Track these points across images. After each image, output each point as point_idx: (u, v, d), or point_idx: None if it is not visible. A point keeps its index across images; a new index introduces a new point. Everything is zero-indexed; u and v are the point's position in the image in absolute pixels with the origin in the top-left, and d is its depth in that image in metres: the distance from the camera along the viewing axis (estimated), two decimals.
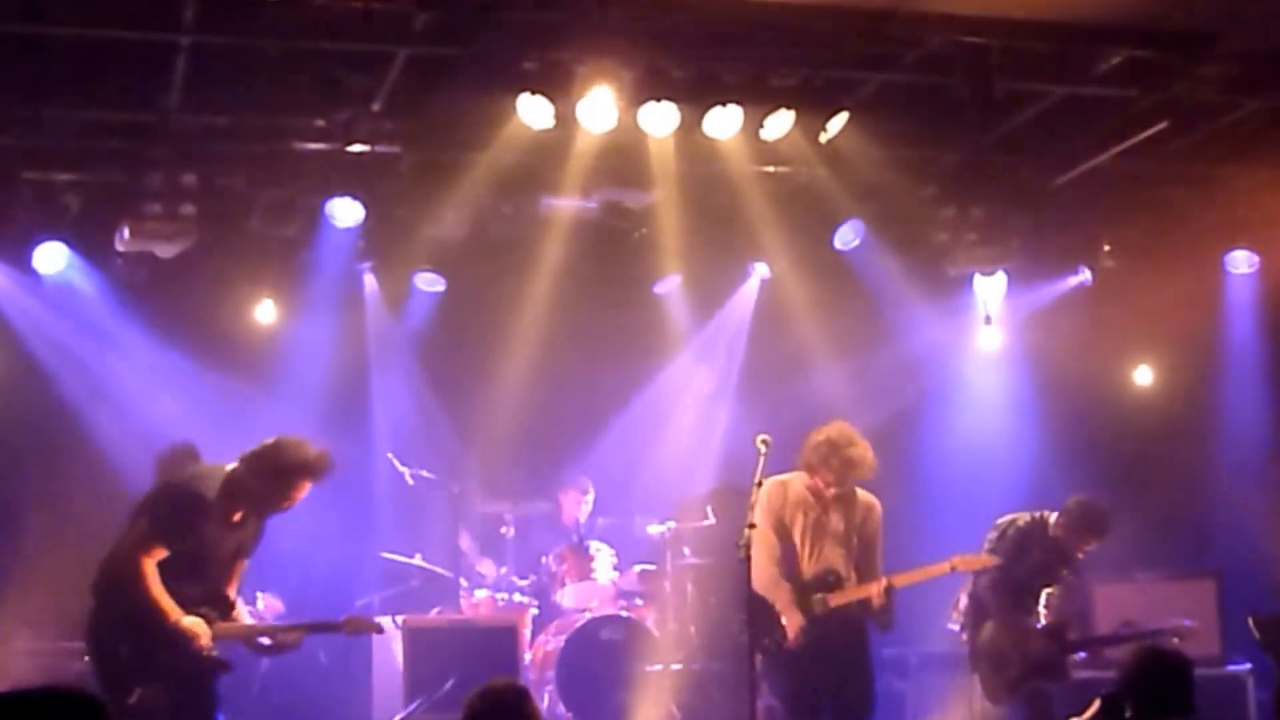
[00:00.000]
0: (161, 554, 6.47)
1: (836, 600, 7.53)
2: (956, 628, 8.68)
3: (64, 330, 9.68)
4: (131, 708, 6.37)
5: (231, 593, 6.80)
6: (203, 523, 6.55)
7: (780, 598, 7.54)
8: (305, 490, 6.67)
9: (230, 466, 6.68)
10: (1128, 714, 4.99)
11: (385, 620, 7.19)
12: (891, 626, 7.71)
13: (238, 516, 6.67)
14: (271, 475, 6.59)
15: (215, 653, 6.55)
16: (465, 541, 10.33)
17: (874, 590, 7.51)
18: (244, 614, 6.93)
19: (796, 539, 7.63)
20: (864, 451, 7.62)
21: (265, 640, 6.86)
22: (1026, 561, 8.44)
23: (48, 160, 8.76)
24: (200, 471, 6.81)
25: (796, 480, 7.73)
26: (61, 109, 8.24)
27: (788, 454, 7.75)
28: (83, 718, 3.02)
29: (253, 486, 6.61)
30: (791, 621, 7.50)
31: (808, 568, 7.61)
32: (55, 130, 8.43)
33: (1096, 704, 5.13)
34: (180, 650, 6.44)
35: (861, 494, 7.76)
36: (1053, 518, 8.46)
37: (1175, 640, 8.52)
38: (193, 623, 6.47)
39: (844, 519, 7.67)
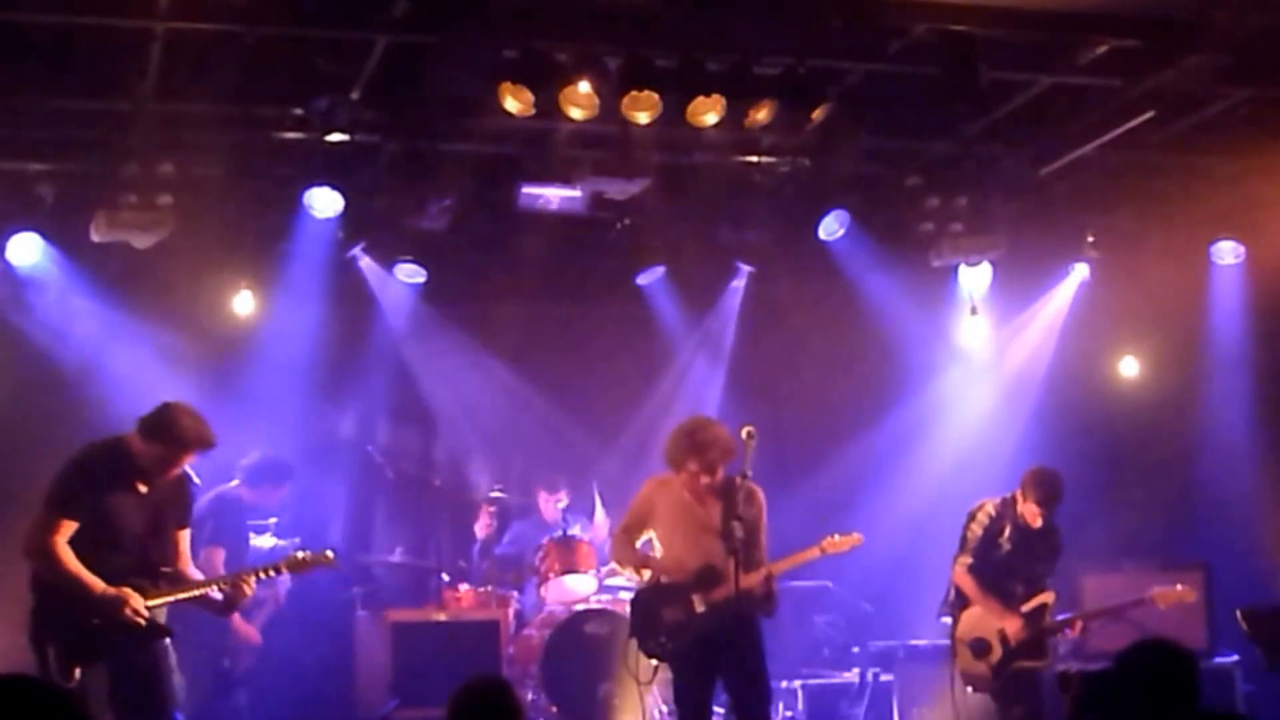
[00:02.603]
0: (66, 528, 6.51)
1: (717, 595, 7.58)
2: (949, 620, 8.64)
3: (38, 322, 9.57)
4: (73, 690, 6.34)
5: (178, 564, 6.81)
6: (97, 490, 6.59)
7: (660, 599, 7.74)
8: (188, 461, 6.75)
9: (122, 434, 6.74)
10: (1117, 695, 4.92)
11: (329, 553, 7.05)
12: (773, 612, 7.78)
13: (142, 485, 6.67)
14: (161, 441, 6.63)
15: (149, 617, 6.54)
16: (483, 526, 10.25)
17: (753, 581, 7.59)
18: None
19: (675, 536, 7.71)
20: (718, 431, 7.69)
21: (216, 595, 6.81)
22: (1001, 544, 8.41)
23: (21, 150, 8.65)
24: (91, 443, 6.84)
25: (674, 483, 7.80)
26: (35, 97, 8.13)
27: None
28: (48, 706, 2.97)
29: (142, 453, 6.65)
30: (674, 620, 7.67)
31: (689, 564, 7.67)
32: (28, 119, 8.34)
33: (1075, 687, 5.06)
34: (111, 620, 6.45)
35: (742, 482, 7.74)
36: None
37: (1161, 606, 8.51)
38: (118, 591, 6.49)
39: (722, 511, 7.65)
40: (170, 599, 6.74)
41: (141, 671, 6.63)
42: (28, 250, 9.15)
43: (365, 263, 10.17)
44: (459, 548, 10.42)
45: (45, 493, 6.64)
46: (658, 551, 7.88)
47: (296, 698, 9.44)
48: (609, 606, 9.89)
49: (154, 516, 6.72)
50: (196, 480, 8.04)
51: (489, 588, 10.09)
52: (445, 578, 10.08)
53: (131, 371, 9.70)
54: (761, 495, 7.85)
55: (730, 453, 7.66)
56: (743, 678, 7.64)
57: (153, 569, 6.70)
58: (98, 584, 6.49)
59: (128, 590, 6.51)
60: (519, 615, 10.10)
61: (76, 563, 6.50)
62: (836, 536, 7.93)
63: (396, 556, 10.13)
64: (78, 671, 6.42)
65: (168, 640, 6.78)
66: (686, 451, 7.65)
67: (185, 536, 6.91)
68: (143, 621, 6.53)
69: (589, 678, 9.51)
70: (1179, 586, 8.64)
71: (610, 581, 10.18)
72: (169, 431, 6.63)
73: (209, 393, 9.52)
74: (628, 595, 10.07)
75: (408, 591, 10.14)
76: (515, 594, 10.14)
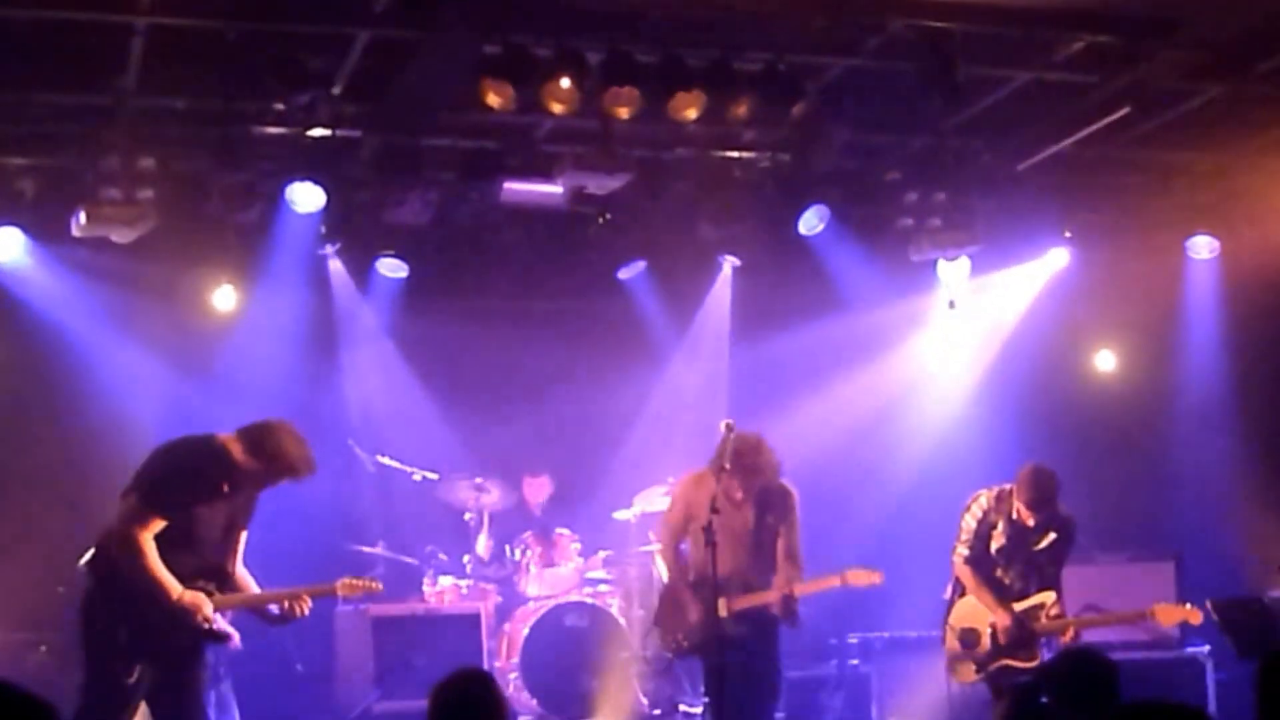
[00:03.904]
0: (156, 526, 6.42)
1: (739, 604, 7.68)
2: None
3: (19, 318, 9.56)
4: (131, 687, 6.37)
5: (233, 565, 6.76)
6: (195, 494, 6.53)
7: (686, 597, 7.80)
8: (283, 482, 6.71)
9: (221, 437, 6.66)
10: (1042, 699, 5.07)
11: (378, 584, 7.18)
12: (796, 624, 7.87)
13: (225, 488, 6.63)
14: (264, 459, 6.58)
15: (217, 625, 6.55)
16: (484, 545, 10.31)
17: (773, 598, 7.71)
18: (251, 585, 6.88)
19: (706, 537, 7.58)
20: (768, 458, 7.73)
21: (274, 608, 6.80)
22: (995, 537, 8.38)
23: (2, 144, 8.65)
24: (189, 441, 6.72)
25: (709, 477, 7.76)
26: (16, 92, 8.14)
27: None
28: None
29: (242, 464, 6.59)
30: (696, 620, 7.73)
31: (717, 567, 7.58)
32: (9, 114, 8.34)
33: (1005, 697, 5.19)
34: (181, 625, 6.43)
35: (777, 483, 7.81)
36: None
37: (1164, 623, 8.49)
38: (194, 597, 6.45)
39: (756, 514, 7.76)
40: (235, 606, 6.72)
41: (185, 673, 6.60)
42: (9, 245, 9.14)
43: (334, 265, 10.18)
44: (440, 541, 10.44)
45: (140, 482, 6.51)
46: (692, 548, 7.94)
47: (278, 691, 9.46)
48: (589, 599, 9.93)
49: (229, 520, 6.69)
50: None
51: (471, 581, 10.13)
52: (427, 572, 10.11)
53: (113, 367, 9.71)
54: (795, 495, 7.90)
55: (776, 477, 7.76)
56: (756, 680, 7.71)
57: (221, 572, 6.66)
58: (175, 587, 6.41)
59: (202, 597, 6.46)
60: (500, 608, 10.13)
61: (159, 562, 6.40)
62: (859, 569, 7.90)
63: (378, 550, 10.15)
64: (138, 669, 6.40)
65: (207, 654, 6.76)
66: (729, 467, 7.61)
67: (244, 538, 6.84)
68: (211, 629, 6.52)
69: (569, 670, 9.56)
70: (1187, 605, 8.51)
71: (591, 574, 10.24)
72: (273, 455, 6.57)
73: (189, 387, 9.57)
74: (608, 589, 10.16)
75: (389, 585, 10.13)
76: (496, 587, 10.17)
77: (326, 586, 6.94)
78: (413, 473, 10.41)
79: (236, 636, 8.89)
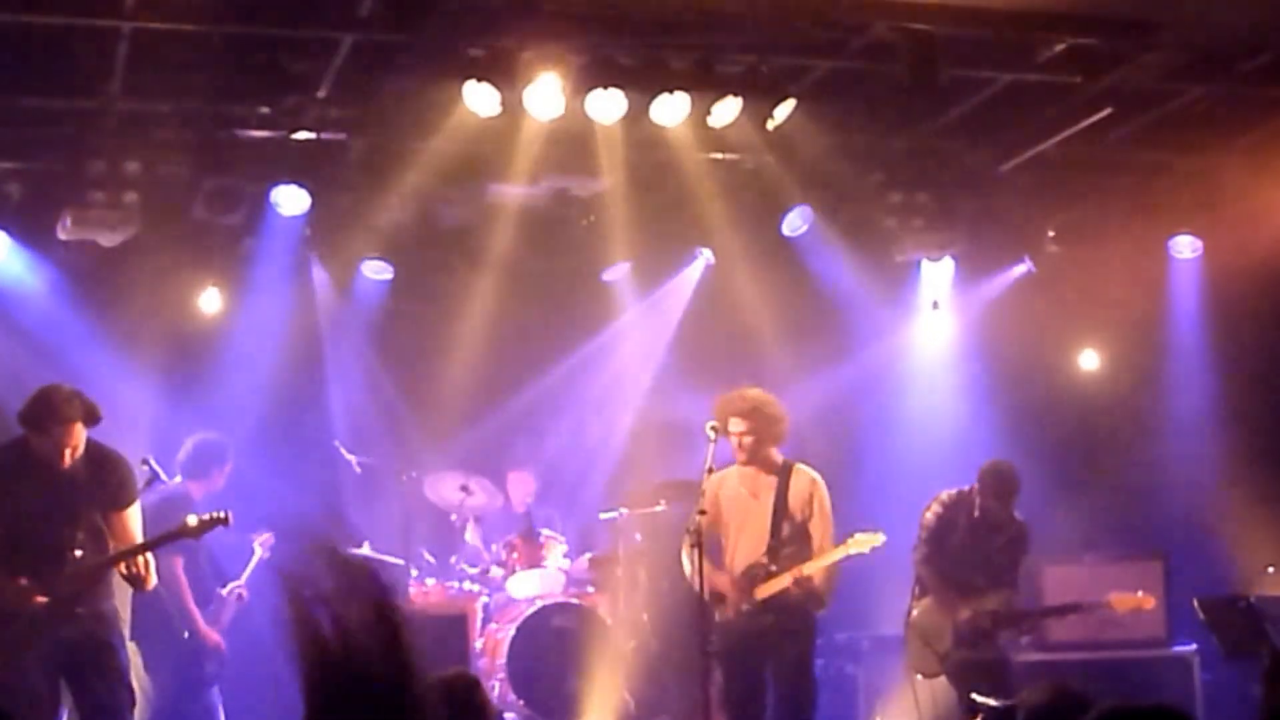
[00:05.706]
0: None
1: (761, 593, 7.64)
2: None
3: (6, 320, 9.55)
4: (29, 683, 6.49)
5: (112, 547, 6.73)
6: (5, 488, 6.64)
7: (708, 592, 7.70)
8: (75, 434, 6.64)
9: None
10: None
11: (223, 514, 6.89)
12: (823, 606, 7.81)
13: (50, 474, 6.64)
14: (36, 422, 6.63)
15: (47, 602, 6.55)
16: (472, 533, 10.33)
17: (786, 582, 7.63)
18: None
19: (728, 533, 7.72)
20: (778, 407, 7.79)
21: (122, 570, 6.70)
22: (955, 535, 8.48)
23: None
24: None
25: (732, 475, 7.82)
26: (1, 96, 8.13)
27: None
28: None
29: (30, 441, 6.67)
30: (720, 616, 7.70)
31: (737, 561, 7.70)
32: None
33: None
34: (20, 611, 6.51)
35: (801, 471, 7.79)
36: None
37: (1119, 610, 8.58)
38: (12, 579, 6.53)
39: (774, 503, 7.72)
40: (76, 584, 6.70)
41: (83, 662, 6.68)
42: None
43: (319, 268, 10.19)
44: (426, 542, 10.45)
45: None
46: (724, 548, 7.86)
47: (265, 695, 9.42)
48: (576, 600, 9.94)
49: (67, 502, 6.69)
50: (164, 477, 8.08)
51: (457, 582, 10.13)
52: (413, 573, 10.11)
53: (99, 369, 9.68)
54: (820, 486, 7.84)
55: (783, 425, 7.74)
56: (785, 675, 7.68)
57: (64, 554, 6.67)
58: None
59: (21, 581, 6.54)
60: (487, 610, 10.14)
61: None
62: (860, 534, 7.80)
63: (364, 551, 10.14)
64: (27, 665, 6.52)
65: (111, 638, 6.79)
66: (754, 420, 7.63)
67: (127, 516, 6.81)
68: (43, 606, 6.55)
69: (556, 672, 9.55)
70: (1139, 593, 8.62)
71: (577, 575, 10.24)
72: (44, 414, 6.61)
73: (176, 390, 9.57)
74: (594, 590, 10.16)
75: None
76: (483, 588, 10.18)
77: (170, 532, 6.80)
78: (399, 473, 10.42)
79: (220, 641, 8.94)
